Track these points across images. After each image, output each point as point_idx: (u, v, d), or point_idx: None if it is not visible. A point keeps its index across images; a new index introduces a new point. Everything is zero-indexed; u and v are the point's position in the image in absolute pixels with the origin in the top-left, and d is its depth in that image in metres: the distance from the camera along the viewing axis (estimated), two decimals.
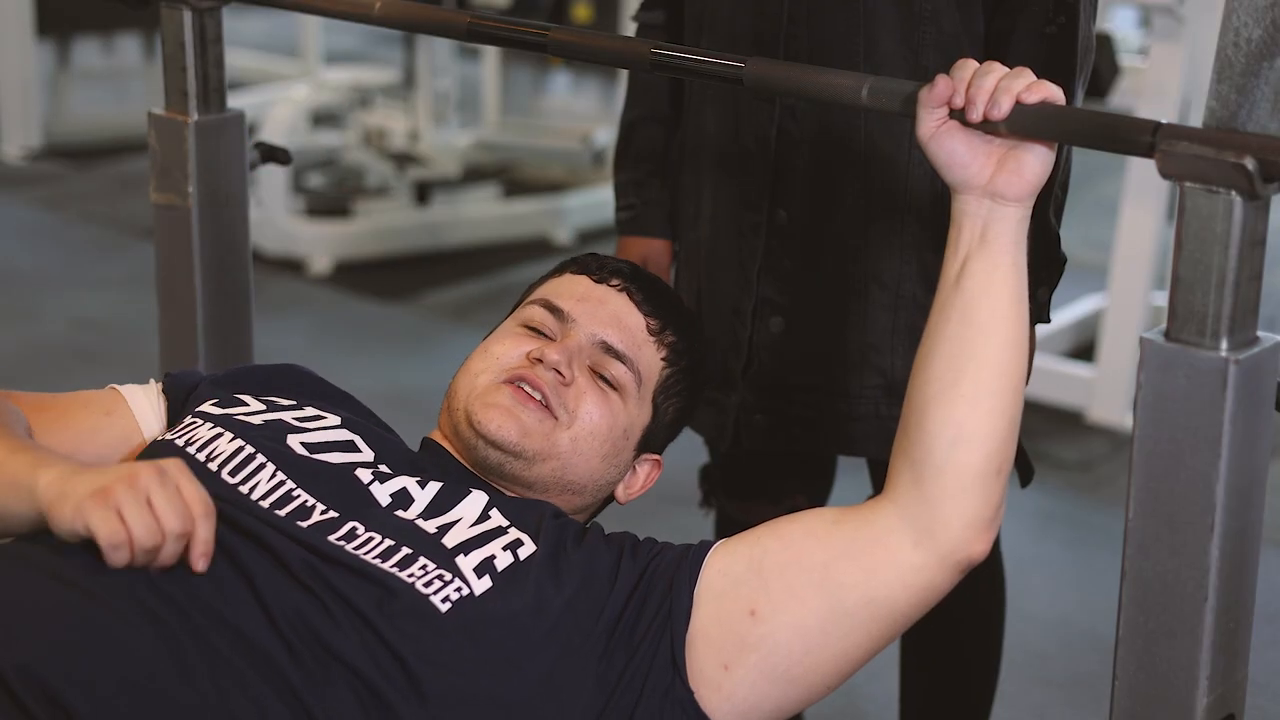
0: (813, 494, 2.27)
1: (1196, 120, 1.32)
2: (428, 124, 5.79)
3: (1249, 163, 1.24)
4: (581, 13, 5.52)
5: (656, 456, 1.71)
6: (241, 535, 1.42)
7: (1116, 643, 1.36)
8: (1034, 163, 1.39)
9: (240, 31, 8.25)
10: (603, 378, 1.63)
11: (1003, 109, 1.37)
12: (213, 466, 1.51)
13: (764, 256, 2.02)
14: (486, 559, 1.44)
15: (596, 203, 5.59)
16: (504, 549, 1.46)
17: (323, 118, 6.22)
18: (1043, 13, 1.90)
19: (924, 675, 2.34)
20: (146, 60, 6.96)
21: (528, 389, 1.59)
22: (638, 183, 2.21)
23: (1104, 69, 3.75)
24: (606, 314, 1.66)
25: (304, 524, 1.45)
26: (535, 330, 1.66)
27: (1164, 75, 3.92)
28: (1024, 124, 1.38)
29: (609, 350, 1.64)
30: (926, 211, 1.99)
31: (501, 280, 5.19)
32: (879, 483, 2.16)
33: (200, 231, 2.02)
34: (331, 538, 1.44)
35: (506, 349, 1.64)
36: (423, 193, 5.49)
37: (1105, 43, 3.82)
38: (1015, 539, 3.42)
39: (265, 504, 1.47)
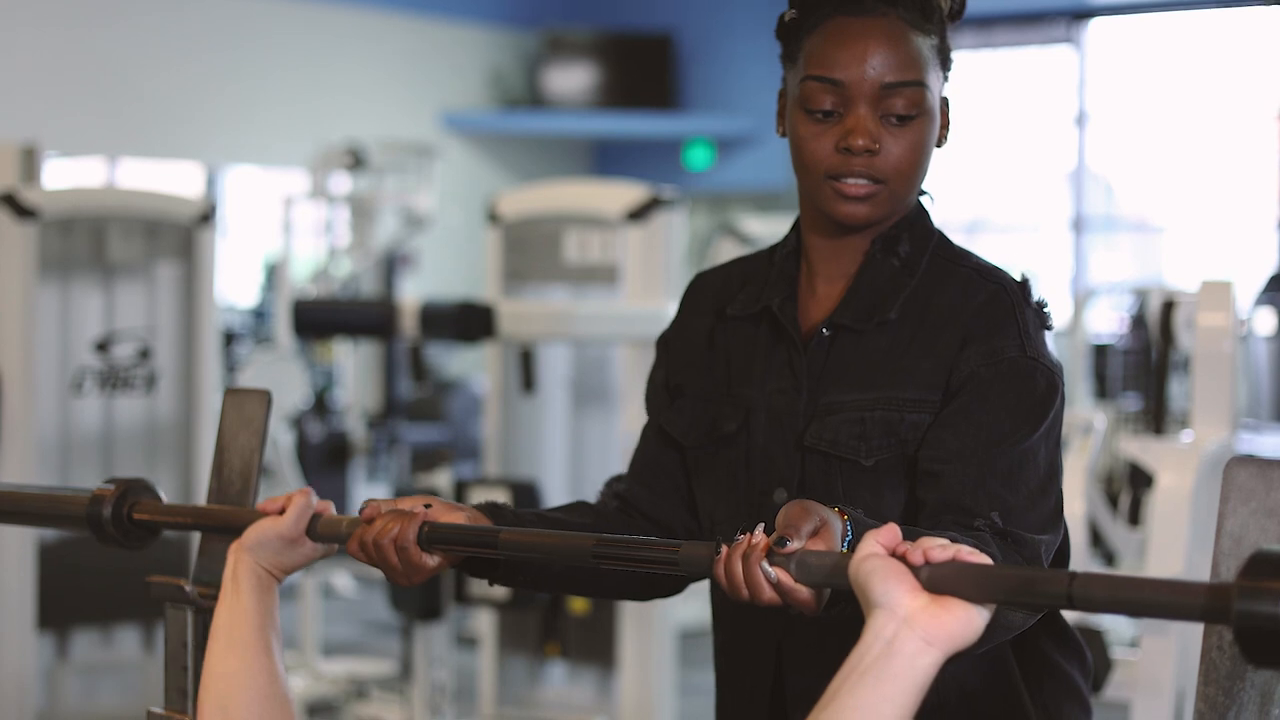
0: None
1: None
2: (423, 716, 5.76)
3: None
4: None
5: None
6: None
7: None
8: (953, 620, 1.35)
9: None
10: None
11: (947, 553, 1.37)
12: None
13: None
14: None
15: None
16: None
17: (318, 709, 6.20)
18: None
19: None
20: (146, 652, 6.98)
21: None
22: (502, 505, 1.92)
23: (1098, 663, 3.78)
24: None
25: None
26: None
27: (1156, 668, 3.94)
28: (948, 581, 1.36)
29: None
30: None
31: None
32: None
33: None
34: None
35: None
36: None
37: (1097, 637, 3.88)
38: None
39: None
